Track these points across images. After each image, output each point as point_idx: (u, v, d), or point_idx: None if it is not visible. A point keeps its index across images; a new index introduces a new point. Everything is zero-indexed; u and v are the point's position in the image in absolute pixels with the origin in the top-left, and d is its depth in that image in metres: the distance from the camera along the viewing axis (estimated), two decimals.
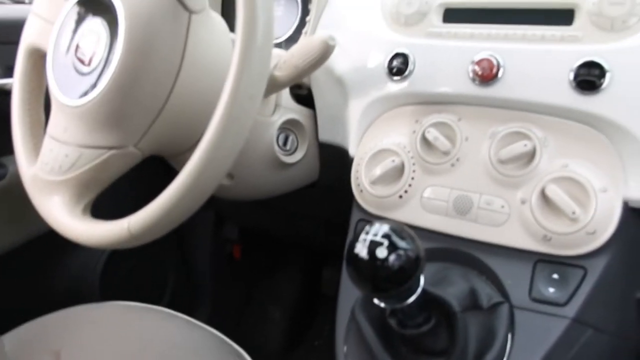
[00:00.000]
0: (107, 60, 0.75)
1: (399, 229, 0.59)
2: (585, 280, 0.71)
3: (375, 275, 0.57)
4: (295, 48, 0.82)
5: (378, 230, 0.58)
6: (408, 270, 0.57)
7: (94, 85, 0.76)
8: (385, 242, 0.57)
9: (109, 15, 0.76)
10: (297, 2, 1.09)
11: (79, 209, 0.82)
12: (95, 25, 0.78)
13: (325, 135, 0.97)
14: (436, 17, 0.85)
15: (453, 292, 0.72)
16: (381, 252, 0.57)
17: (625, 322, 0.77)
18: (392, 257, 0.57)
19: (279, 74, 0.84)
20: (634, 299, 0.76)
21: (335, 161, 0.93)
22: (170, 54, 0.76)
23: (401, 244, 0.58)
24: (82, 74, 0.78)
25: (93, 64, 0.77)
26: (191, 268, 1.56)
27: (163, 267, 1.50)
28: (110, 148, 0.80)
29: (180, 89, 0.77)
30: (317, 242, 1.39)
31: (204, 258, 1.57)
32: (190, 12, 0.76)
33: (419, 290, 0.62)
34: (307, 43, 0.81)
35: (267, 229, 1.47)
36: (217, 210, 1.48)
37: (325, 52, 0.79)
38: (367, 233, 0.58)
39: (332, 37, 0.79)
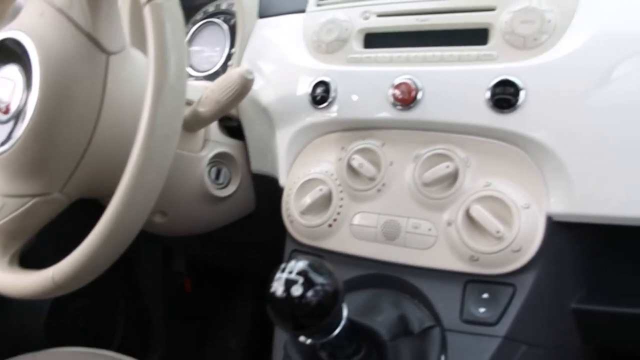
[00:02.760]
0: (23, 108, 0.73)
1: (316, 265, 0.57)
2: (515, 298, 0.70)
3: (294, 314, 0.55)
4: (216, 83, 0.80)
5: (293, 268, 0.56)
6: (326, 305, 0.55)
7: (11, 134, 0.73)
8: (300, 280, 0.55)
9: (25, 62, 0.73)
10: (224, 34, 1.07)
11: (5, 260, 0.78)
12: (11, 72, 0.75)
13: (257, 166, 0.95)
14: (357, 43, 0.83)
15: (382, 320, 0.70)
16: (296, 290, 0.55)
17: (562, 333, 0.75)
18: (308, 294, 0.55)
19: (203, 109, 0.82)
20: (569, 310, 0.75)
21: (269, 191, 0.91)
22: (89, 98, 0.73)
23: (317, 279, 0.55)
24: (0, 122, 0.75)
25: (10, 112, 0.74)
26: (142, 305, 1.51)
27: (113, 305, 1.45)
28: (33, 196, 0.77)
29: (102, 131, 0.75)
30: (264, 269, 1.36)
31: (156, 293, 1.53)
32: (107, 53, 0.74)
33: (343, 322, 0.60)
34: (226, 78, 0.79)
35: (213, 260, 1.44)
36: (164, 243, 1.44)
37: (244, 86, 0.78)
38: (282, 271, 0.56)
39: (250, 70, 0.77)
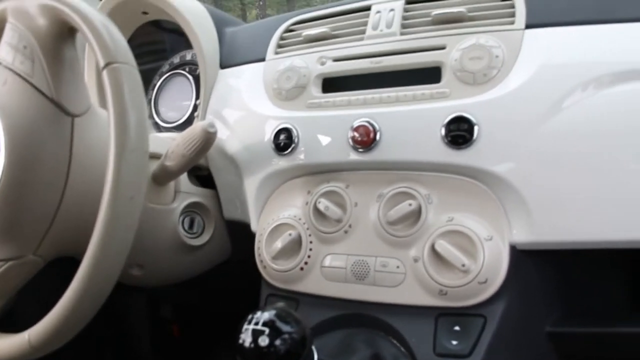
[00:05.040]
0: None
1: (282, 314, 0.58)
2: (486, 328, 0.70)
3: None
4: (181, 137, 0.81)
5: (259, 318, 0.57)
6: (294, 354, 0.55)
7: None
8: (267, 330, 0.55)
9: None
10: (190, 84, 1.08)
11: None
12: None
13: (229, 213, 0.95)
14: (315, 89, 0.84)
15: (358, 357, 0.70)
16: (263, 341, 0.55)
17: (538, 357, 0.75)
18: (276, 343, 0.55)
19: (170, 163, 0.82)
20: (544, 333, 0.75)
21: (243, 237, 0.91)
22: (56, 161, 0.73)
23: (284, 328, 0.56)
24: None
25: None
26: (131, 352, 1.50)
27: (100, 355, 1.43)
28: (7, 260, 0.76)
29: (71, 191, 0.75)
30: (248, 311, 1.35)
31: (144, 340, 1.51)
32: (72, 116, 0.74)
33: None
34: (190, 132, 0.80)
35: (198, 305, 1.43)
36: (148, 292, 1.43)
37: (207, 139, 0.78)
38: (249, 322, 0.56)
39: (212, 124, 0.78)
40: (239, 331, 0.57)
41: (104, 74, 0.65)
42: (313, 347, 0.62)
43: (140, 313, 1.48)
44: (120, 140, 0.64)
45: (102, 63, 0.65)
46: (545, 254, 0.70)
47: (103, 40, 0.66)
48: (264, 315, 0.58)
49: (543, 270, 0.73)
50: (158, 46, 1.15)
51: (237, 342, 0.57)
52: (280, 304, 0.65)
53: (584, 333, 0.75)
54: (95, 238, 0.64)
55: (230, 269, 1.02)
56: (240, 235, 0.92)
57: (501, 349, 0.70)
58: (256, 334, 0.56)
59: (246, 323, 0.56)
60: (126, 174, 0.64)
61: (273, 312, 0.58)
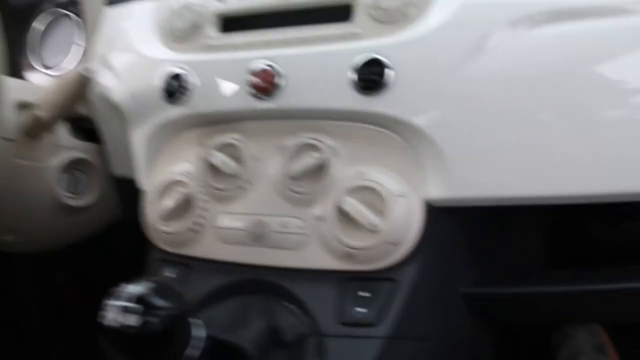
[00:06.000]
0: None
1: (156, 286, 0.48)
2: (396, 293, 0.63)
3: (133, 346, 0.45)
4: (52, 84, 0.70)
5: (128, 293, 0.47)
6: (173, 333, 0.46)
7: None
8: (137, 307, 0.46)
9: None
10: (78, 27, 0.95)
11: None
12: None
13: (118, 170, 0.85)
14: (212, 28, 0.74)
15: (250, 332, 0.62)
16: (132, 319, 0.45)
17: (453, 321, 0.69)
18: (150, 321, 0.45)
19: (41, 113, 0.71)
20: (459, 295, 0.68)
21: (135, 195, 0.80)
22: None
23: (159, 303, 0.47)
24: None
25: None
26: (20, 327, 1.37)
27: None
28: None
29: None
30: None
31: (34, 311, 1.39)
32: None
33: (201, 343, 0.51)
34: (63, 78, 0.70)
35: (91, 272, 1.31)
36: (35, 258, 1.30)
37: (81, 85, 0.68)
38: (116, 298, 0.46)
39: (88, 68, 0.67)
40: (102, 307, 0.47)
41: None
42: (200, 322, 0.53)
43: (26, 281, 1.35)
44: None
45: None
46: (461, 211, 0.63)
47: None
48: (133, 289, 0.48)
49: (459, 229, 0.66)
50: None
51: (101, 323, 0.47)
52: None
53: (500, 294, 0.69)
54: None
55: (124, 231, 0.91)
56: (131, 194, 0.82)
57: (413, 315, 0.63)
58: (125, 310, 0.47)
59: (112, 299, 0.46)
60: None
61: (145, 284, 0.49)
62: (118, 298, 0.49)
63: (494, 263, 0.70)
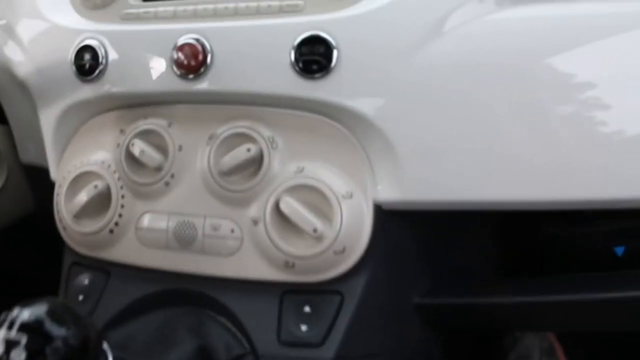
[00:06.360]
0: None
1: (53, 310, 0.39)
2: (343, 308, 0.55)
3: None
4: None
5: (15, 320, 0.39)
6: None
7: None
8: (24, 340, 0.37)
9: None
10: None
11: None
12: None
13: (26, 156, 0.75)
14: None
15: (178, 355, 0.53)
16: (18, 355, 0.36)
17: (405, 333, 0.62)
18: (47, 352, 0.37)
19: None
20: (412, 305, 0.61)
21: (47, 186, 0.70)
22: None
23: (55, 332, 0.40)
24: None
25: None
26: None
27: None
28: None
29: None
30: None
31: None
32: None
33: None
34: None
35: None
36: None
37: None
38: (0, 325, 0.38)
39: None
40: None
41: None
42: (106, 347, 0.44)
43: None
44: None
45: None
46: (414, 214, 0.56)
47: None
48: (22, 315, 0.39)
49: (410, 234, 0.59)
50: None
51: None
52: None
53: (455, 304, 0.62)
54: None
55: (37, 225, 0.80)
56: (42, 183, 0.71)
57: (362, 332, 0.56)
58: (10, 345, 0.38)
59: None
60: None
61: (36, 307, 0.41)
62: (2, 326, 0.40)
63: (447, 270, 0.63)
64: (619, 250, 0.65)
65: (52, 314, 0.41)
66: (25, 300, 0.44)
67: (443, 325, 0.65)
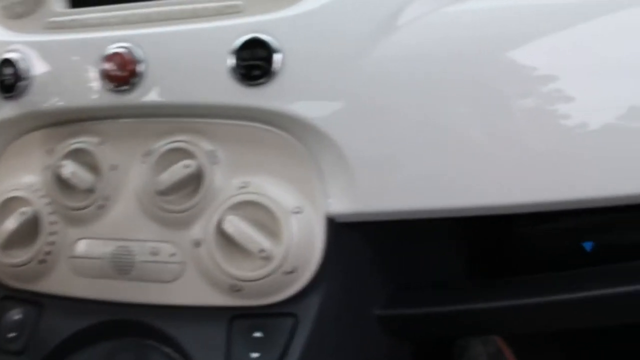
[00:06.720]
0: None
1: None
2: (298, 330, 0.51)
3: None
4: None
5: None
6: None
7: None
8: None
9: None
10: None
11: None
12: None
13: None
14: (59, 3, 0.59)
15: None
16: None
17: (367, 347, 0.58)
18: None
19: None
20: (373, 317, 0.57)
21: None
22: None
23: None
24: None
25: None
26: None
27: None
28: None
29: None
30: None
31: None
32: None
33: None
34: None
35: None
36: None
37: None
38: None
39: None
40: None
41: None
42: None
43: None
44: None
45: None
46: (370, 225, 0.52)
47: None
48: None
49: (366, 245, 0.55)
50: None
51: None
52: None
53: (419, 314, 0.58)
54: None
55: None
56: None
57: (320, 354, 0.52)
58: None
59: None
60: None
61: None
62: None
63: (409, 278, 0.60)
64: (588, 246, 0.62)
65: None
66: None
67: (408, 335, 0.61)
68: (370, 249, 0.55)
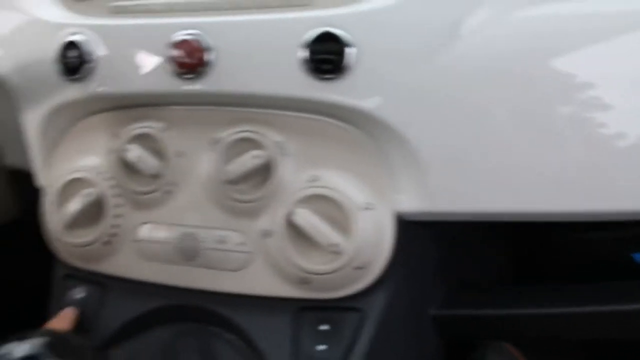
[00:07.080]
0: None
1: (49, 342, 0.39)
2: (364, 326, 0.51)
3: None
4: None
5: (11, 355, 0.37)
6: None
7: None
8: None
9: None
10: None
11: None
12: None
13: (10, 159, 0.68)
14: None
15: None
16: None
17: (424, 346, 0.59)
18: None
19: None
20: (429, 318, 0.58)
21: (33, 191, 0.65)
22: None
23: None
24: None
25: None
26: None
27: None
28: None
29: None
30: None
31: None
32: None
33: None
34: None
35: None
36: None
37: None
38: None
39: None
40: None
41: None
42: None
43: None
44: None
45: None
46: (436, 225, 0.52)
47: None
48: (17, 349, 0.37)
49: (430, 245, 0.56)
50: None
51: None
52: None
53: (469, 315, 0.59)
54: None
55: (20, 234, 0.75)
56: (27, 188, 0.66)
57: (383, 350, 0.52)
58: None
59: None
60: None
61: (34, 340, 0.39)
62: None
63: (463, 278, 0.61)
64: (638, 257, 0.62)
65: (51, 346, 0.38)
66: (21, 332, 0.40)
67: (459, 336, 0.62)
68: (434, 248, 0.56)
